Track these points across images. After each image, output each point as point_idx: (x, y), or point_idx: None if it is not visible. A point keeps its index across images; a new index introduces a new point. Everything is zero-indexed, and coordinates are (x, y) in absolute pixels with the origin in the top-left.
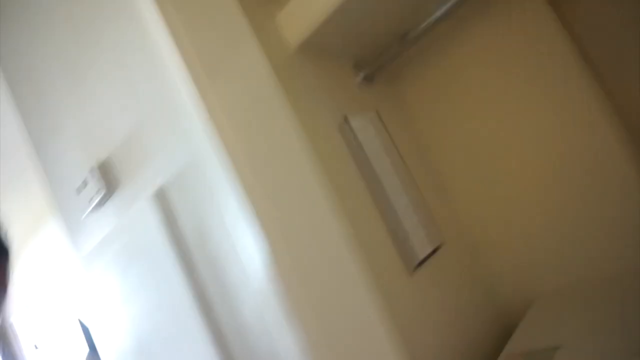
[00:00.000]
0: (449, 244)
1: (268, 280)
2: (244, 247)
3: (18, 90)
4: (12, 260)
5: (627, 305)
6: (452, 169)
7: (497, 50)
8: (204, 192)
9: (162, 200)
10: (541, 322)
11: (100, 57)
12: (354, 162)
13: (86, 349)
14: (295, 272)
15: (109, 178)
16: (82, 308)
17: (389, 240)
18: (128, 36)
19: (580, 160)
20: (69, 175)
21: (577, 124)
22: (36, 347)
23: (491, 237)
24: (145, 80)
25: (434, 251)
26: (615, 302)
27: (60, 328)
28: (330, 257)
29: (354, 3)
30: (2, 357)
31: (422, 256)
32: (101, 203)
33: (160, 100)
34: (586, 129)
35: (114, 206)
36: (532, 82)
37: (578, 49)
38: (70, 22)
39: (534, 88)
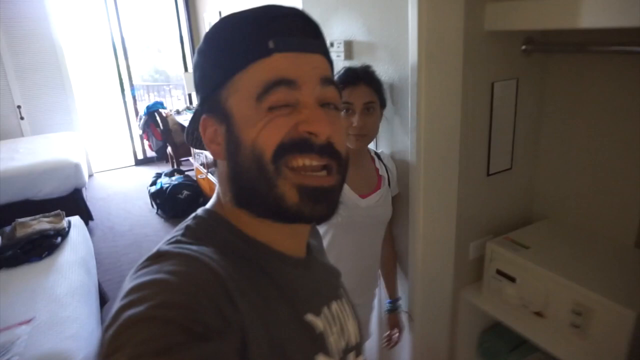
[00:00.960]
0: (516, 170)
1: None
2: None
3: None
4: None
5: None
6: (548, 133)
7: (614, 90)
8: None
9: None
10: (540, 229)
11: None
12: (488, 109)
13: None
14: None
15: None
16: None
17: (485, 153)
18: None
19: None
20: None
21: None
22: None
23: (546, 178)
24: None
25: (505, 170)
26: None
27: None
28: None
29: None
30: None
31: (497, 170)
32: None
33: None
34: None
35: None
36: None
37: None
38: None
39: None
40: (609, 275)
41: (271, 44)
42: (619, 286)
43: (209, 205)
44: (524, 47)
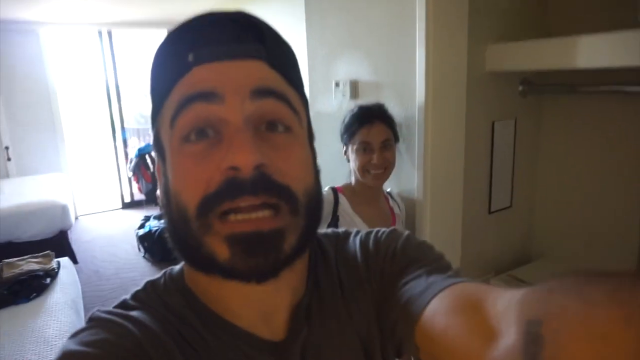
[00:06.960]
0: (516, 208)
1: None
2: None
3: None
4: None
5: None
6: (544, 171)
7: (606, 128)
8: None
9: None
10: (539, 267)
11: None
12: (489, 148)
13: None
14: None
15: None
16: None
17: (487, 191)
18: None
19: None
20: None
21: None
22: None
23: (543, 217)
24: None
25: (505, 208)
26: None
27: None
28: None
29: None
30: None
31: (497, 208)
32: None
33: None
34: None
35: None
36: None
37: None
38: None
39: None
40: None
41: (190, 57)
42: None
43: (180, 264)
44: (520, 88)
